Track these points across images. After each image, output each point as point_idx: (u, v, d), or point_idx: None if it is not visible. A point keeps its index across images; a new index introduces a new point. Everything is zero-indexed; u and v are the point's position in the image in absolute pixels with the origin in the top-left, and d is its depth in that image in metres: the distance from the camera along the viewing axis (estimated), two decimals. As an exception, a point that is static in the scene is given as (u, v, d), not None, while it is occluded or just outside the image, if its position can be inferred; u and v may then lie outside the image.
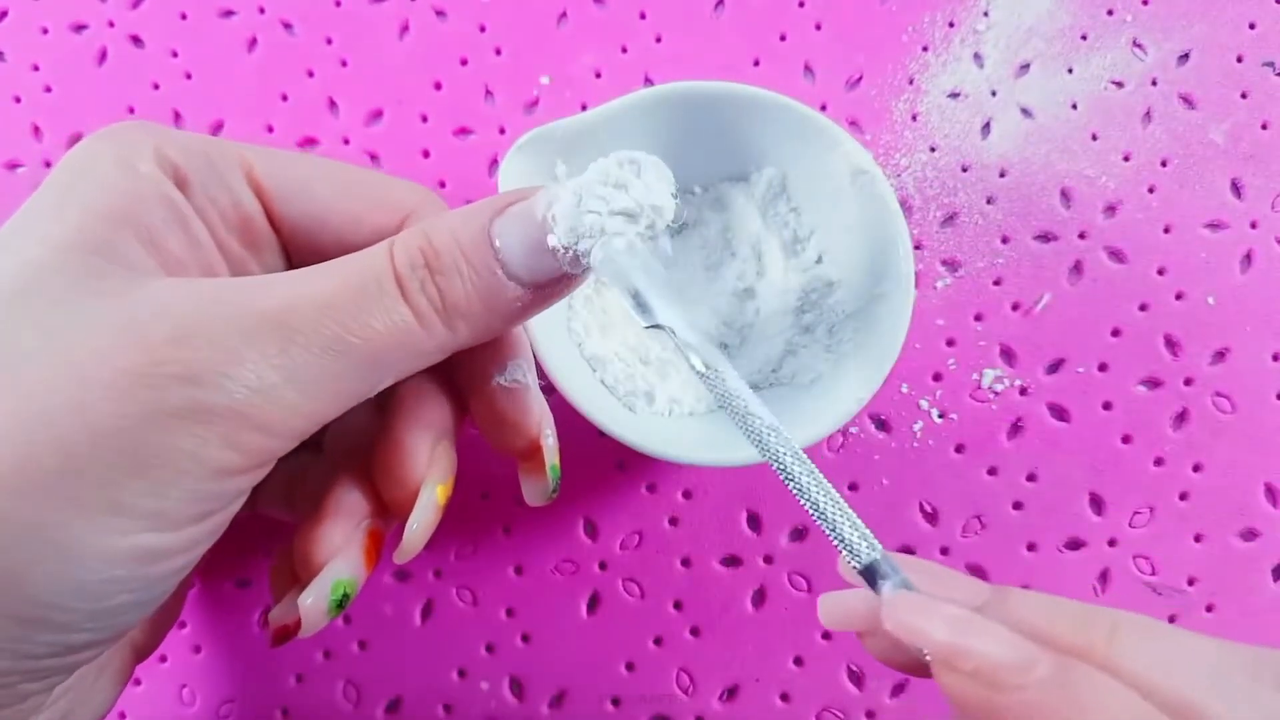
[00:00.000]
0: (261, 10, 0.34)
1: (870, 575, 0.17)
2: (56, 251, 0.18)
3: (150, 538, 0.17)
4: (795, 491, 0.18)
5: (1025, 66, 0.33)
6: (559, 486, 0.24)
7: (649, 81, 0.34)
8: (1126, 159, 0.33)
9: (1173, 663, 0.15)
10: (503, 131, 0.33)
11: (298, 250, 0.23)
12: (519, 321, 0.21)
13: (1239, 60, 0.33)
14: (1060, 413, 0.32)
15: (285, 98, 0.34)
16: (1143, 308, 0.32)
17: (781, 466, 0.18)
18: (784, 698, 0.31)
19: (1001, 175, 0.33)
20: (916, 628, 0.16)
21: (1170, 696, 0.15)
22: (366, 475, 0.23)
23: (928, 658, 0.16)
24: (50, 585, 0.16)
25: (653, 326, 0.20)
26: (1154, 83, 0.33)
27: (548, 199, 0.20)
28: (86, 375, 0.16)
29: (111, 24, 0.34)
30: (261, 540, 0.31)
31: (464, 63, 0.34)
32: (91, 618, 0.17)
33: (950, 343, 0.32)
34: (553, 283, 0.20)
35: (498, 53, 0.34)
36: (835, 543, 0.18)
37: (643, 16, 0.34)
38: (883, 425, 0.32)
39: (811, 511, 0.18)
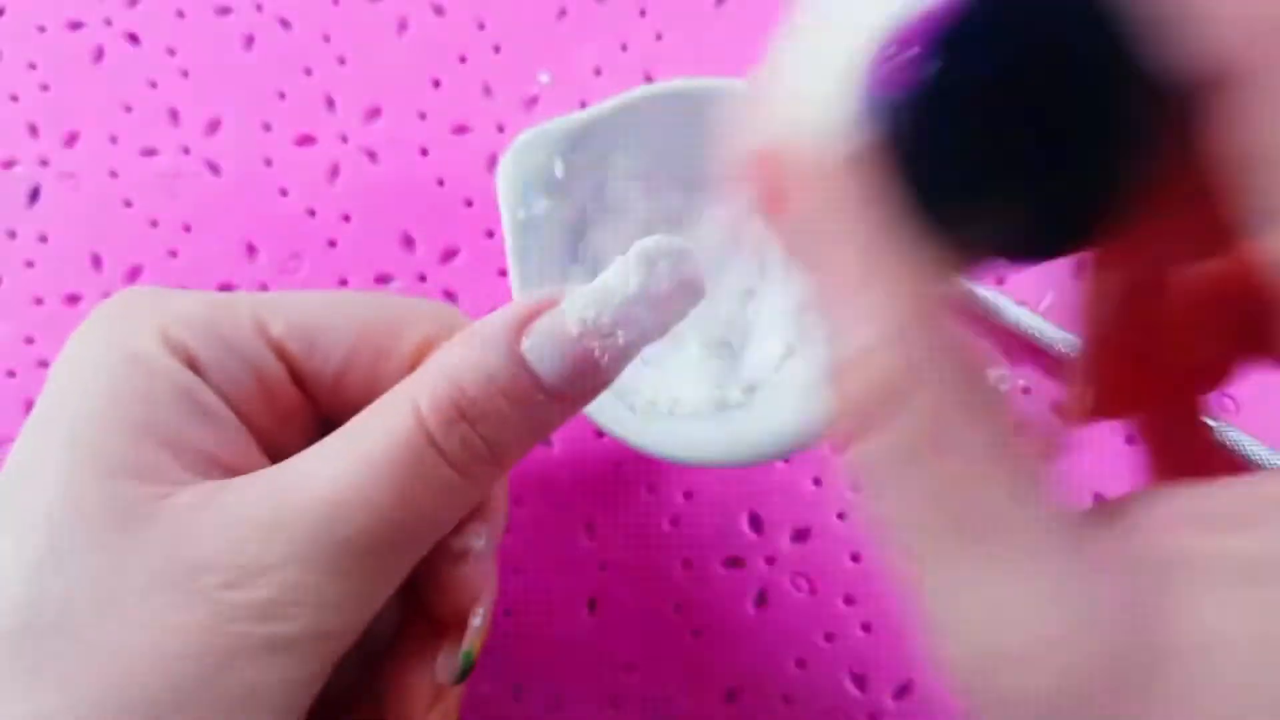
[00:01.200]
0: (259, 8, 0.34)
1: None
2: (79, 479, 0.17)
3: None
4: None
5: (1028, 64, 0.33)
6: (468, 674, 0.22)
7: (649, 79, 0.33)
8: (1131, 157, 0.33)
9: None
10: (501, 129, 0.33)
11: (323, 399, 0.22)
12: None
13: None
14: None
15: (283, 95, 0.33)
16: (1147, 307, 0.32)
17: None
18: (786, 700, 0.31)
19: (1004, 173, 0.33)
20: None
21: None
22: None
23: None
24: None
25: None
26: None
27: (578, 315, 0.19)
28: (160, 642, 0.17)
29: (109, 22, 0.34)
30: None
31: (463, 60, 0.33)
32: None
33: (953, 342, 0.32)
34: (595, 386, 0.20)
35: (496, 50, 0.33)
36: None
37: (643, 13, 0.34)
38: (885, 425, 0.32)
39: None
